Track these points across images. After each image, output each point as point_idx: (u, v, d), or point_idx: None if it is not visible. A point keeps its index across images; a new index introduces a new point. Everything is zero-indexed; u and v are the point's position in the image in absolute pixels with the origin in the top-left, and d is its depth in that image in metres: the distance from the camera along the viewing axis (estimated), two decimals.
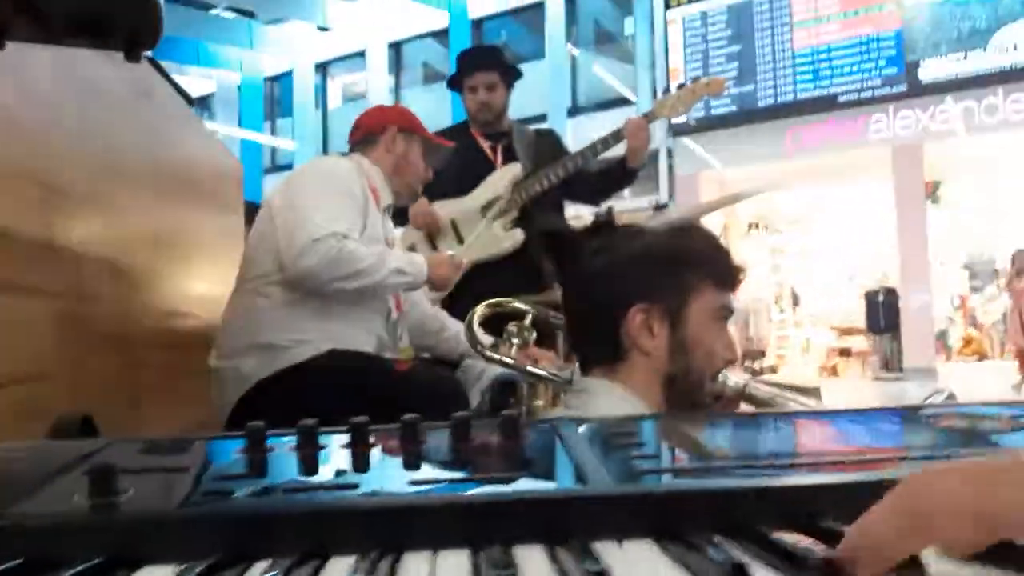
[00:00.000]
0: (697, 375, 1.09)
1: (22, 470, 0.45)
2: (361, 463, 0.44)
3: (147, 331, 1.99)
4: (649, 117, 2.84)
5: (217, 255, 2.61)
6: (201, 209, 2.56)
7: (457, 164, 2.89)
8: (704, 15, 11.33)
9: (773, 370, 11.89)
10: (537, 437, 0.49)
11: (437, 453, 0.46)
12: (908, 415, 0.53)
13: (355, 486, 0.39)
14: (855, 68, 10.41)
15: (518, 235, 2.78)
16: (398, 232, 3.02)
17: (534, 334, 1.82)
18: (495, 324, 1.91)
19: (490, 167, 2.88)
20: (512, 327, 1.84)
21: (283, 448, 0.46)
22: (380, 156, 2.23)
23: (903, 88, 10.10)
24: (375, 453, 0.46)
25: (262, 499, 0.38)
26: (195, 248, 2.47)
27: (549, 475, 0.42)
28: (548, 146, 3.00)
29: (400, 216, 2.92)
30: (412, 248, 2.91)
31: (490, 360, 1.76)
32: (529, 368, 1.70)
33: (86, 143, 1.71)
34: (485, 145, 2.93)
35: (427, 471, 0.43)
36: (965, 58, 9.82)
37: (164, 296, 2.17)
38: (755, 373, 9.76)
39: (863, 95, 10.34)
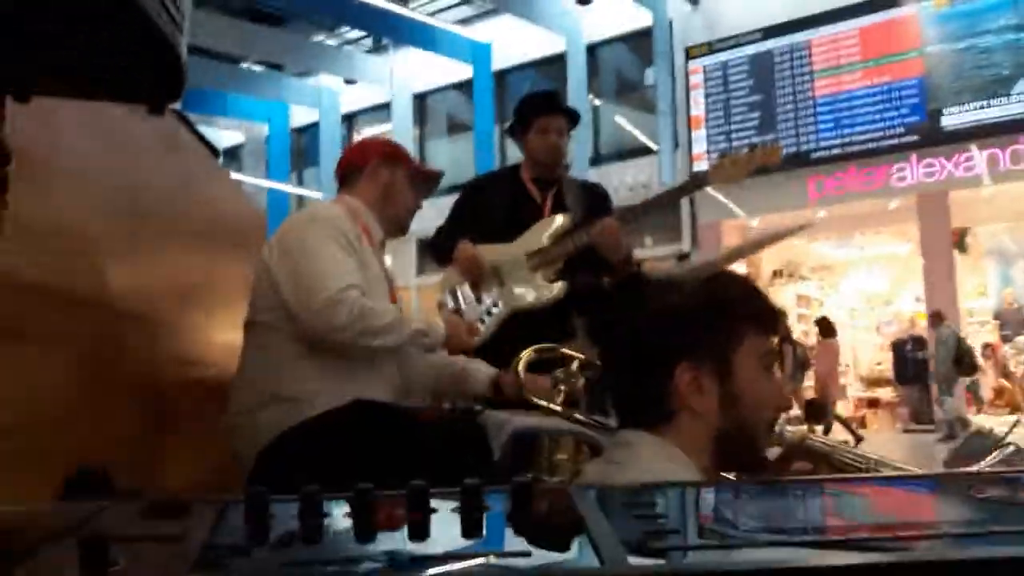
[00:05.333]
0: (750, 428, 1.05)
1: (16, 535, 0.44)
2: (365, 534, 0.42)
3: (171, 381, 1.99)
4: (701, 182, 2.80)
5: (241, 304, 2.61)
6: (226, 258, 2.58)
7: (505, 208, 2.89)
8: (725, 65, 11.42)
9: (800, 421, 11.68)
10: (551, 507, 0.47)
11: (445, 524, 0.44)
12: (946, 483, 0.50)
13: (356, 559, 0.37)
14: (877, 117, 10.41)
15: (560, 287, 2.75)
16: (438, 276, 3.01)
17: (581, 381, 1.79)
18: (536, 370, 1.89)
19: (539, 215, 2.86)
20: (559, 374, 1.81)
21: (286, 515, 0.44)
22: (365, 189, 2.20)
23: (926, 136, 10.08)
24: (381, 523, 0.44)
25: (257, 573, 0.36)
26: (219, 297, 2.48)
27: (565, 551, 0.40)
28: (597, 199, 2.97)
29: (443, 256, 2.91)
30: (453, 291, 2.90)
31: (537, 406, 1.73)
32: (576, 416, 1.67)
33: (113, 194, 1.73)
34: (535, 192, 2.92)
35: (434, 543, 0.40)
36: (988, 105, 9.79)
37: (188, 346, 2.18)
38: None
39: (885, 144, 10.32)
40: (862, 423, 12.15)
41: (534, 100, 3.04)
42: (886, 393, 12.38)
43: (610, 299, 1.13)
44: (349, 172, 2.25)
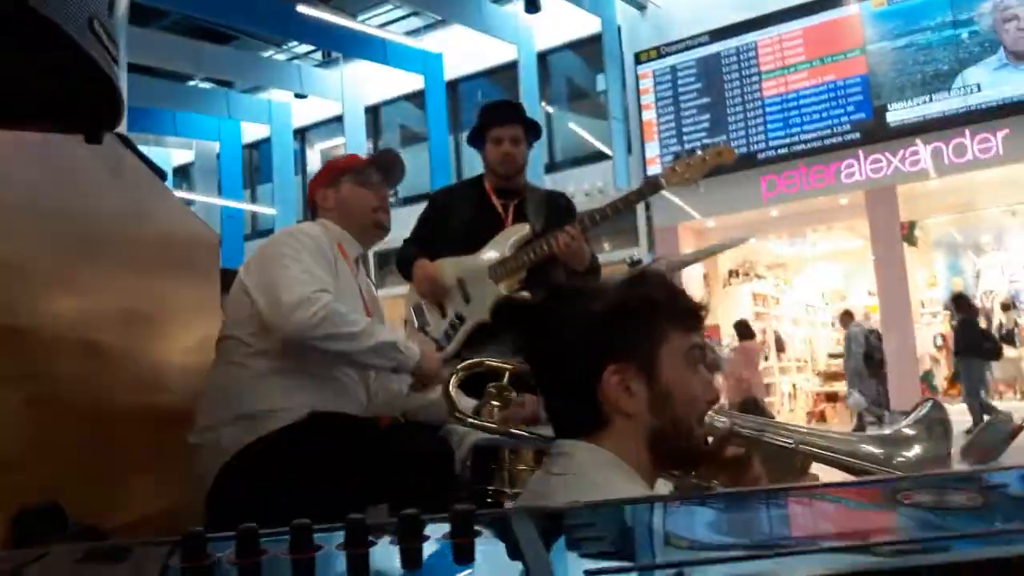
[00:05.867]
0: (684, 424, 1.07)
1: None
2: (303, 571, 0.42)
3: (121, 410, 1.95)
4: (656, 185, 2.80)
5: (193, 326, 2.58)
6: (176, 281, 2.54)
7: (469, 220, 2.88)
8: (674, 68, 11.55)
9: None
10: (490, 535, 0.47)
11: (384, 557, 0.44)
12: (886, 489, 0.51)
13: None
14: (824, 115, 10.61)
15: (524, 297, 2.74)
16: (402, 289, 3.00)
17: (514, 393, 1.79)
18: (479, 386, 1.88)
19: (501, 225, 2.86)
20: (491, 388, 1.81)
21: (224, 555, 0.44)
22: (327, 217, 2.27)
23: (872, 132, 10.29)
24: (320, 558, 0.44)
25: None
26: (170, 321, 2.44)
27: None
28: (559, 209, 2.97)
29: (408, 271, 2.90)
30: (418, 305, 2.89)
31: (471, 426, 1.73)
32: (512, 431, 1.67)
33: (56, 223, 1.70)
34: (498, 203, 2.91)
35: None
36: (931, 100, 10.03)
37: (139, 372, 2.14)
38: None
39: (833, 141, 10.52)
40: (822, 417, 12.35)
41: (487, 111, 3.05)
42: (843, 387, 12.60)
43: (536, 312, 1.14)
44: (313, 211, 2.34)
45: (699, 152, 2.79)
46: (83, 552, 0.52)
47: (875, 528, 0.47)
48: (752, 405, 9.98)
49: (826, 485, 0.53)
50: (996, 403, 10.09)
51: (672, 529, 0.50)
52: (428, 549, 0.45)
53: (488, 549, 0.45)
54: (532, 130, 2.97)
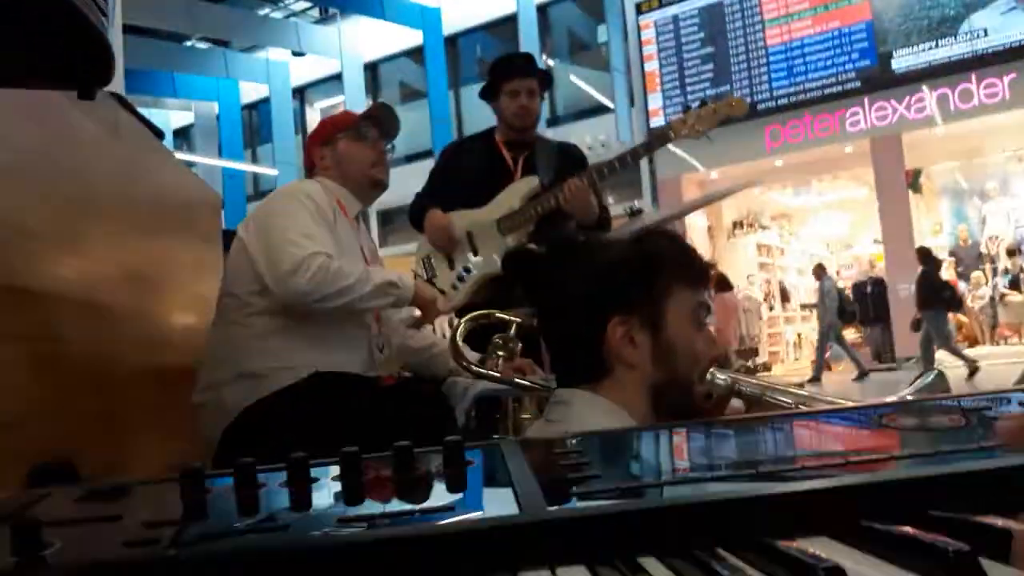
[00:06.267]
0: (684, 379, 1.08)
1: None
2: (300, 502, 0.43)
3: (127, 368, 1.97)
4: (665, 137, 2.77)
5: (196, 286, 2.59)
6: (177, 242, 2.55)
7: (479, 173, 2.88)
8: (676, 18, 11.39)
9: (767, 367, 11.89)
10: (482, 462, 0.48)
11: (377, 488, 0.45)
12: (860, 415, 0.52)
13: (283, 527, 0.38)
14: (828, 62, 10.48)
15: (532, 249, 2.74)
16: (412, 246, 3.01)
17: (519, 345, 1.81)
18: (483, 338, 1.90)
19: (510, 178, 2.86)
20: (497, 339, 1.83)
21: (224, 489, 0.45)
22: (326, 175, 2.27)
23: (877, 79, 10.17)
24: (316, 488, 0.45)
25: (189, 547, 0.37)
26: (172, 281, 2.45)
27: (488, 504, 0.41)
28: (570, 161, 2.94)
29: (419, 223, 2.91)
30: (427, 258, 2.90)
31: (476, 375, 1.75)
32: (516, 380, 1.69)
33: (54, 184, 1.70)
34: (507, 156, 2.91)
35: (364, 506, 0.42)
36: (936, 46, 9.89)
37: (143, 332, 2.16)
38: (750, 371, 9.92)
39: (838, 89, 10.40)
40: (827, 365, 12.41)
41: (502, 64, 3.02)
42: (849, 334, 12.64)
43: (545, 263, 1.15)
44: (310, 170, 2.34)
45: (709, 103, 2.76)
46: (85, 492, 0.53)
47: (860, 447, 0.48)
48: (721, 358, 10.06)
49: (815, 412, 0.54)
50: (1001, 347, 10.14)
51: (662, 454, 0.51)
52: (421, 478, 0.46)
53: (479, 477, 0.47)
54: (544, 82, 2.96)
